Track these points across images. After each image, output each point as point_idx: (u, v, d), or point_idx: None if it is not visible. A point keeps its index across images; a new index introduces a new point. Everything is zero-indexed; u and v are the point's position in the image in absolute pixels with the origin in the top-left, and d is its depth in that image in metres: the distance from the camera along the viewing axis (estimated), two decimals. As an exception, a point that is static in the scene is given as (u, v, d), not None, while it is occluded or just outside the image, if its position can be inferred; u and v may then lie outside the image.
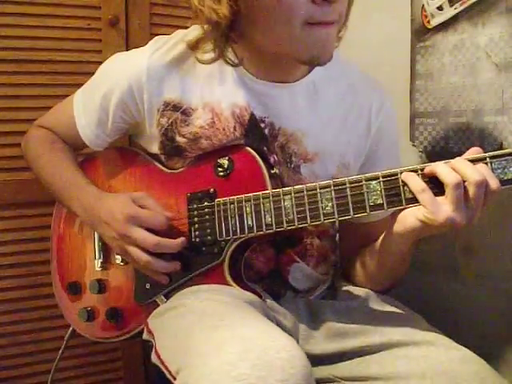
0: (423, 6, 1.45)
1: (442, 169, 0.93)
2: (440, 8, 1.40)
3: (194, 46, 1.14)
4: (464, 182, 0.91)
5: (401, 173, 0.97)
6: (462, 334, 1.31)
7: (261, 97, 1.17)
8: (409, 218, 1.00)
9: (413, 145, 1.51)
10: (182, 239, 1.14)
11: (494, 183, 0.91)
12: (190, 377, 0.84)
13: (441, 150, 1.43)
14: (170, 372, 0.96)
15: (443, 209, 0.92)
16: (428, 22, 1.45)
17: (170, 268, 1.16)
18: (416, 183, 0.94)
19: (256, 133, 1.18)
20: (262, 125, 1.18)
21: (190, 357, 0.87)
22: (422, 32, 1.47)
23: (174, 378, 0.91)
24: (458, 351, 1.00)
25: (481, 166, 0.92)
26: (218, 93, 1.17)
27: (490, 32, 1.29)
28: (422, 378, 0.95)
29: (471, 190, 0.91)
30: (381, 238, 1.16)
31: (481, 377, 0.94)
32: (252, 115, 1.17)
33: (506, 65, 1.26)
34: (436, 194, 0.94)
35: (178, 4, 1.72)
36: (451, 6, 1.38)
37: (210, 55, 1.13)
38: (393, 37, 1.57)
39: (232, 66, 1.14)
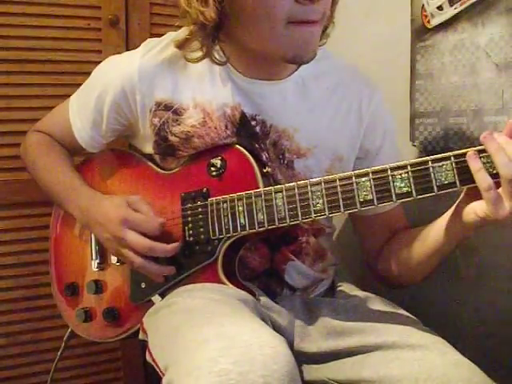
0: (423, 5, 1.45)
1: (499, 160, 0.88)
2: (440, 8, 1.40)
3: (181, 46, 1.15)
4: None
5: (390, 169, 0.97)
6: (461, 334, 1.31)
7: (251, 95, 1.18)
8: (469, 215, 0.97)
9: (413, 145, 1.51)
10: (175, 244, 1.15)
11: None
12: (175, 373, 0.85)
13: (441, 150, 1.42)
14: (160, 369, 0.96)
15: (503, 206, 0.89)
16: (428, 21, 1.44)
17: (164, 271, 1.17)
18: (484, 180, 0.90)
19: (247, 131, 1.19)
20: (254, 123, 1.19)
21: (177, 354, 0.88)
22: (422, 32, 1.46)
23: (164, 375, 0.91)
24: (452, 356, 0.99)
25: None
26: (208, 93, 1.19)
27: (490, 32, 1.29)
28: (414, 382, 0.94)
29: None
30: (431, 230, 1.13)
31: (473, 382, 0.93)
32: (242, 114, 1.18)
33: (506, 65, 1.26)
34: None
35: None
36: (451, 5, 1.37)
37: (197, 54, 1.13)
38: (393, 37, 1.56)
39: (219, 64, 1.14)
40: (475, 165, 0.90)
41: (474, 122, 1.34)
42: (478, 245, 1.36)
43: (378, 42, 1.62)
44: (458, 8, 1.35)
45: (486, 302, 1.36)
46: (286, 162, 1.21)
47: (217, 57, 1.14)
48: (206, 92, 1.19)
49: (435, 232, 1.12)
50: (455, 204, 1.03)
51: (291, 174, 1.21)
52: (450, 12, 1.38)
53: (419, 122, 1.49)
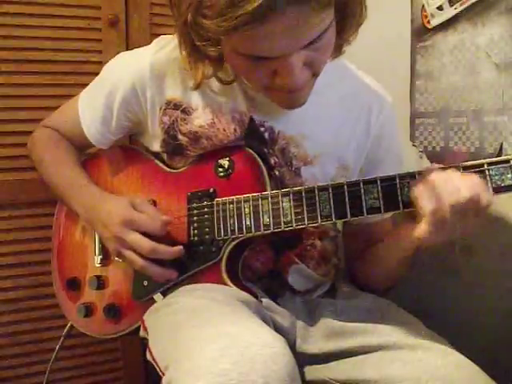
0: (423, 6, 1.45)
1: (422, 195, 0.94)
2: (440, 8, 1.40)
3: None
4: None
5: (399, 177, 0.97)
6: (461, 334, 1.31)
7: (260, 101, 1.17)
8: (410, 237, 1.01)
9: (413, 145, 1.51)
10: (179, 247, 1.15)
11: (484, 198, 0.92)
12: (175, 373, 0.84)
13: (441, 150, 1.43)
14: (160, 369, 0.96)
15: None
16: (428, 22, 1.44)
17: (166, 275, 1.16)
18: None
19: (256, 136, 1.18)
20: (262, 129, 1.19)
21: (177, 353, 0.88)
22: (422, 32, 1.47)
23: (164, 375, 0.91)
24: (454, 357, 0.99)
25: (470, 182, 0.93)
26: (218, 97, 1.18)
27: (490, 32, 1.29)
28: (416, 382, 0.94)
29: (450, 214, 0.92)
30: (384, 243, 1.18)
31: (475, 383, 0.93)
32: (251, 119, 1.18)
33: (506, 65, 1.26)
34: None
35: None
36: (451, 5, 1.37)
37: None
38: (393, 37, 1.57)
39: (225, 84, 1.14)
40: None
41: (474, 121, 1.35)
42: (478, 245, 1.37)
43: (378, 41, 1.62)
44: (458, 8, 1.36)
45: (486, 302, 1.36)
46: (293, 168, 1.20)
47: (222, 77, 1.13)
48: (215, 95, 1.18)
49: (386, 247, 1.20)
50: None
51: (299, 181, 1.20)
52: (450, 12, 1.38)
53: (419, 122, 1.50)
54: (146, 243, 1.12)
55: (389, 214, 1.20)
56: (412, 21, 1.49)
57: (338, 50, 1.08)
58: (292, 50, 0.91)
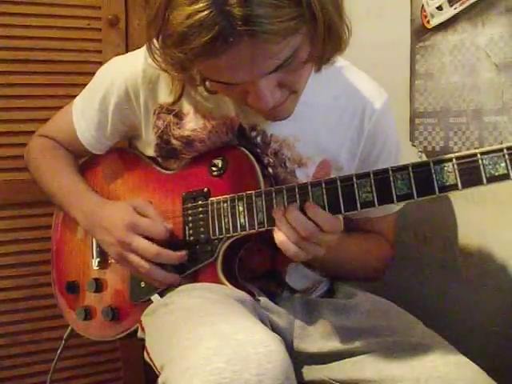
0: (423, 6, 1.44)
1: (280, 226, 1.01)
2: (440, 8, 1.40)
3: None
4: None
5: (391, 170, 0.95)
6: (462, 334, 1.31)
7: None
8: None
9: (413, 145, 1.51)
10: (182, 252, 1.14)
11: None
12: (170, 372, 0.85)
13: (441, 150, 1.43)
14: (156, 368, 0.96)
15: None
16: (428, 22, 1.44)
17: (170, 279, 1.16)
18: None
19: (247, 141, 1.18)
20: (254, 133, 1.18)
21: (172, 353, 0.88)
22: (421, 32, 1.46)
23: (160, 374, 0.91)
24: (454, 356, 0.99)
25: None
26: (208, 103, 1.18)
27: (490, 32, 1.28)
28: (416, 382, 0.94)
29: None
30: None
31: (475, 383, 0.93)
32: (241, 126, 1.17)
33: (506, 65, 1.25)
34: None
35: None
36: (451, 6, 1.37)
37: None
38: (393, 37, 1.56)
39: (212, 93, 1.12)
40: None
41: (473, 121, 1.34)
42: (477, 245, 1.36)
43: (378, 42, 1.62)
44: (457, 8, 1.35)
45: (487, 302, 1.36)
46: (288, 170, 1.19)
47: (208, 86, 1.11)
48: (206, 101, 1.17)
49: None
50: None
51: (294, 182, 1.17)
52: (449, 12, 1.37)
53: (419, 122, 1.49)
54: (151, 247, 1.12)
55: (394, 209, 1.24)
56: (412, 21, 1.48)
57: (320, 63, 1.05)
58: (255, 77, 0.90)
